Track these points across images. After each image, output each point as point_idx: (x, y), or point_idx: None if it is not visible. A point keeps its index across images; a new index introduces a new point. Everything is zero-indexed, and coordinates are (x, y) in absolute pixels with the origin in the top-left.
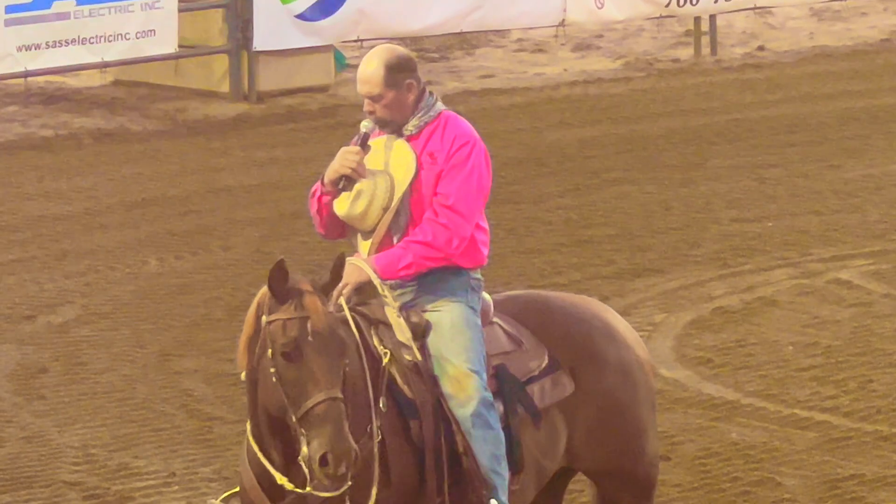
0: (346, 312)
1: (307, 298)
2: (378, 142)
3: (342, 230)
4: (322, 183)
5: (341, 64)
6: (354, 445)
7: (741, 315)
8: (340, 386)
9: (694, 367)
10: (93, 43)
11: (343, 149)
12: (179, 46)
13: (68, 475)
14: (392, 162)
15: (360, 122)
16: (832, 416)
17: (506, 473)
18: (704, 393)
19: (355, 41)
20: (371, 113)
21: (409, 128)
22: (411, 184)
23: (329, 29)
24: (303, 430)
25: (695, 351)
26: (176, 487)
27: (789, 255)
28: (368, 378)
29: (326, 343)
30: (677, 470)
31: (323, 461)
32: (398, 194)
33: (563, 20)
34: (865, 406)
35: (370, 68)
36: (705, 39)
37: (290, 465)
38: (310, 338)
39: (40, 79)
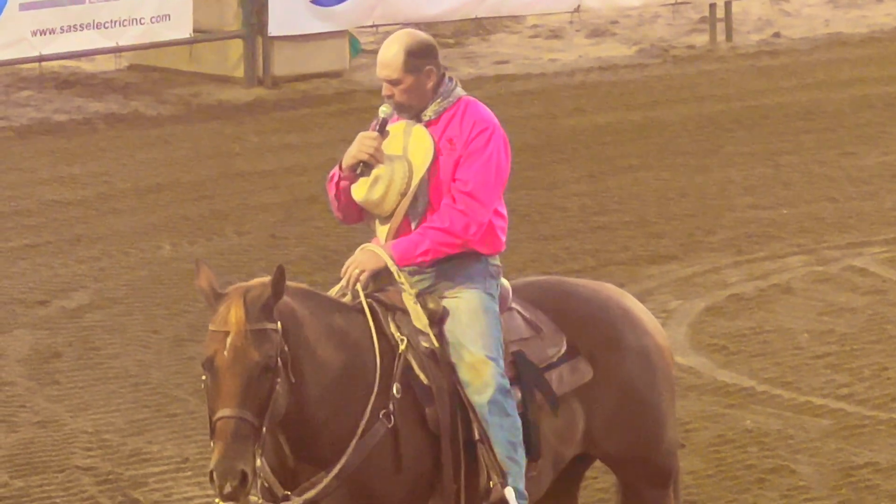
0: (362, 299)
1: (232, 312)
2: (397, 127)
3: (360, 215)
4: (340, 168)
5: (356, 49)
6: (244, 467)
7: (756, 302)
8: (254, 404)
9: (708, 354)
10: (107, 28)
11: (361, 134)
12: (194, 31)
13: (81, 460)
14: (410, 147)
15: (374, 107)
16: (847, 403)
17: (522, 461)
18: (719, 380)
19: (371, 27)
20: (390, 97)
21: (428, 113)
22: (429, 169)
23: (344, 14)
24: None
25: (709, 338)
26: (189, 473)
27: (804, 243)
28: (378, 364)
29: (240, 360)
30: (692, 457)
31: (210, 477)
32: (416, 180)
33: (579, 6)
34: (880, 394)
35: (391, 52)
36: (721, 26)
37: (283, 465)
38: (225, 353)
39: (55, 63)
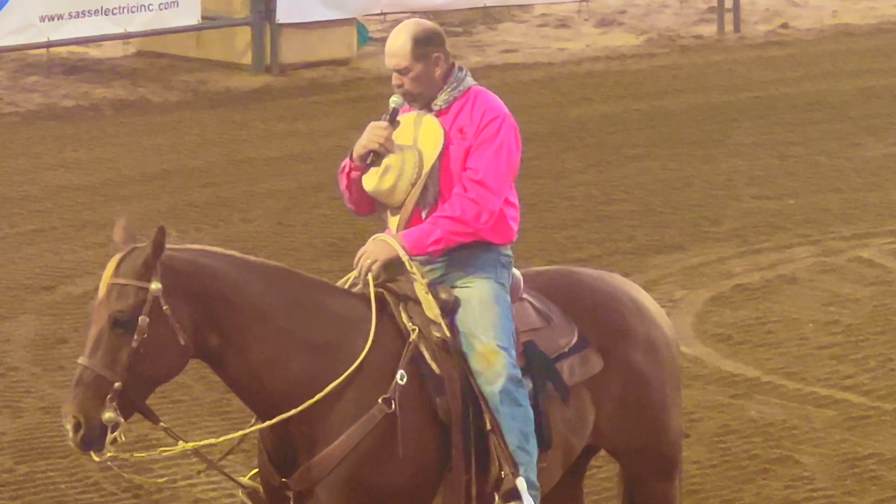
0: (371, 288)
1: (108, 266)
2: (408, 117)
3: (372, 206)
4: (351, 158)
5: (364, 37)
6: (77, 415)
7: (761, 292)
8: (105, 357)
9: (713, 344)
10: (115, 14)
11: (372, 124)
12: (202, 18)
13: None
14: (421, 137)
15: (382, 94)
16: (851, 394)
17: (534, 451)
18: (724, 370)
19: (378, 14)
20: (399, 87)
21: (439, 102)
22: (439, 159)
23: (352, 2)
24: None
25: (714, 328)
26: (194, 459)
27: (810, 233)
28: (368, 346)
29: (98, 312)
30: (696, 447)
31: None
32: (426, 169)
33: None
34: (885, 384)
35: (398, 41)
36: (728, 16)
37: (283, 454)
38: (96, 303)
39: (62, 49)
